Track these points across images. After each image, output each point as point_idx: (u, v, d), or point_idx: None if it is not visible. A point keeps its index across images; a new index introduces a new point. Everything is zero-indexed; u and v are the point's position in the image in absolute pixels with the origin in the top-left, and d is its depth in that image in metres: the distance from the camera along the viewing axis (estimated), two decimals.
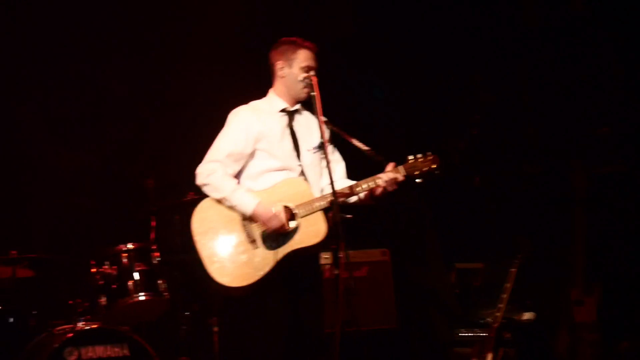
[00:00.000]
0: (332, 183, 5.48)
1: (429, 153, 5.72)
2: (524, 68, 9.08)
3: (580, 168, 8.24)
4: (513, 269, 7.32)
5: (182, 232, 7.72)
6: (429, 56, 8.99)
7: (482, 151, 9.07)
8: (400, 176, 5.66)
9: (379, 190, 5.69)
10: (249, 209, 5.61)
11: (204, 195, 5.82)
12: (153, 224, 7.65)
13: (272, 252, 5.60)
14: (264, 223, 5.60)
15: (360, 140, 5.84)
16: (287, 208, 5.64)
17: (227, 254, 5.62)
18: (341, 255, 5.37)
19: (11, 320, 6.97)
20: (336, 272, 5.43)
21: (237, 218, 5.67)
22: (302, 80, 5.78)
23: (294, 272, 5.67)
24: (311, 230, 5.63)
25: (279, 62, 5.88)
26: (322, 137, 5.65)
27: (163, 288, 7.15)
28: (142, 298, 7.04)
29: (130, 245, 7.16)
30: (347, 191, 5.74)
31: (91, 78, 8.52)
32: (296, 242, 5.62)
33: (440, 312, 8.58)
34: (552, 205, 8.56)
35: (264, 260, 5.59)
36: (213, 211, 5.71)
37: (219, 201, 5.69)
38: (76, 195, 8.32)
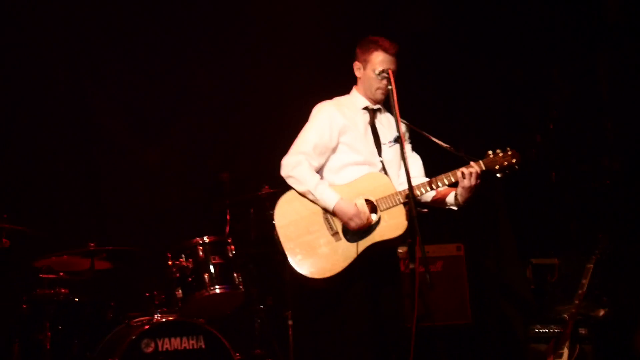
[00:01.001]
0: (408, 176, 5.50)
1: (509, 148, 5.75)
2: (603, 61, 8.93)
3: None
4: (590, 265, 7.22)
5: (257, 226, 7.76)
6: (506, 49, 8.92)
7: (558, 145, 8.96)
8: (479, 169, 5.66)
9: (463, 185, 5.65)
10: (330, 205, 5.68)
11: (280, 189, 5.92)
12: (228, 217, 7.71)
13: (354, 244, 5.65)
14: (344, 221, 5.65)
15: (439, 136, 5.88)
16: (368, 201, 5.69)
17: (310, 245, 5.67)
18: (417, 249, 5.41)
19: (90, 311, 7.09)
20: (412, 266, 5.59)
21: (319, 211, 5.74)
22: (377, 75, 5.81)
23: (374, 265, 5.71)
24: (392, 224, 5.67)
25: (356, 63, 5.98)
26: (397, 130, 5.69)
27: (238, 281, 7.18)
28: (217, 291, 7.08)
29: (206, 239, 7.19)
30: (427, 185, 5.74)
31: (169, 72, 8.62)
32: (378, 235, 5.67)
33: (516, 307, 8.49)
34: (630, 199, 8.41)
35: (346, 252, 5.63)
36: (297, 203, 5.78)
37: (303, 194, 5.77)
38: (153, 189, 8.47)
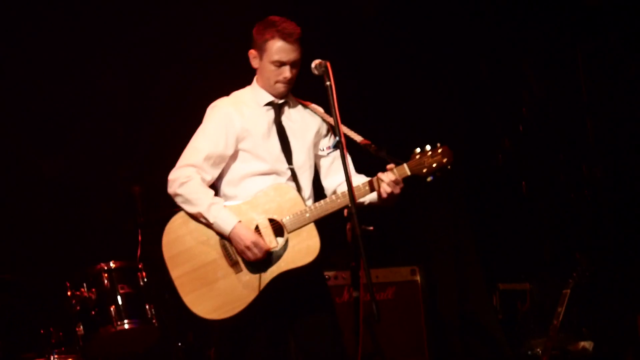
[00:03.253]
0: (349, 187, 5.22)
1: (439, 145, 5.59)
2: (582, 51, 8.97)
3: None
4: (566, 290, 7.26)
5: None
6: (468, 37, 8.93)
7: (530, 151, 9.00)
8: (399, 176, 5.50)
9: (383, 193, 5.53)
10: (226, 229, 5.53)
11: None
12: (140, 238, 7.65)
13: (256, 276, 5.53)
14: (240, 250, 5.52)
15: (381, 135, 5.82)
16: (273, 222, 5.57)
17: (204, 280, 5.57)
18: (361, 274, 5.26)
19: None
20: (355, 294, 5.37)
21: (215, 237, 5.61)
22: (275, 68, 5.67)
23: (290, 295, 5.61)
24: (303, 248, 5.56)
25: (251, 51, 5.76)
26: (338, 134, 5.35)
27: (151, 314, 7.12)
28: (126, 326, 7.00)
29: (112, 264, 7.12)
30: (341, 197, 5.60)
31: (71, 69, 8.47)
32: (285, 263, 5.55)
33: (481, 341, 8.54)
34: (613, 213, 8.50)
35: (247, 287, 5.53)
36: (188, 228, 5.66)
37: (194, 216, 5.62)
38: (48, 205, 8.32)
